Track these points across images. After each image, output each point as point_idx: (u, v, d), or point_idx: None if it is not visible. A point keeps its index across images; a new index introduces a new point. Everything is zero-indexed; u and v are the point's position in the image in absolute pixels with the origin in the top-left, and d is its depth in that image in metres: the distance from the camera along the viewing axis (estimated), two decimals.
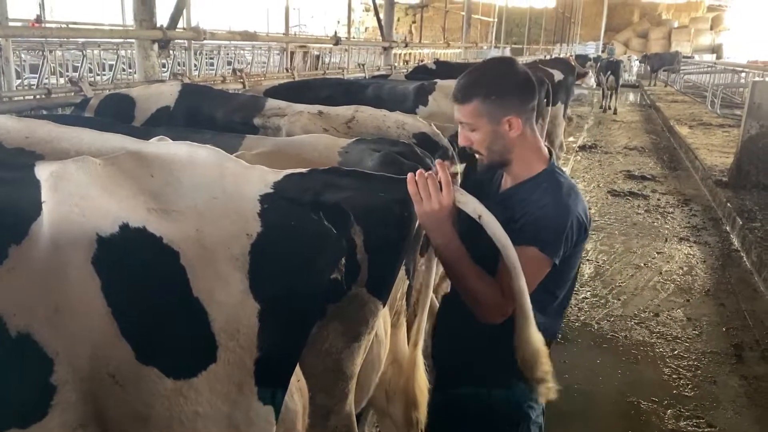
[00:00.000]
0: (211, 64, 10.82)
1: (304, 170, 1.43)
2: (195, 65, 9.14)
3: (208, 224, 1.32)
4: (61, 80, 7.55)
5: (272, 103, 2.99)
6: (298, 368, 1.69)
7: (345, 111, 2.87)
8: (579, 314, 5.23)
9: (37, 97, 3.55)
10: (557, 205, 1.97)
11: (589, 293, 5.67)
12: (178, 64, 8.79)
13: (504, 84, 2.00)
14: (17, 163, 1.35)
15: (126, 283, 1.26)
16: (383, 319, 1.92)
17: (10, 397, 1.27)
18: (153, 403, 1.30)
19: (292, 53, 9.20)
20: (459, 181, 2.06)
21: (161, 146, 1.46)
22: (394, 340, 2.08)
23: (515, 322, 1.75)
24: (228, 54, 11.13)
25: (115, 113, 3.34)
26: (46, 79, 6.89)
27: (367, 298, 1.60)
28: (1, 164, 1.38)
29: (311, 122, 2.55)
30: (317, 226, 1.38)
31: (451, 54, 17.10)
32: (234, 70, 6.71)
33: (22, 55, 8.10)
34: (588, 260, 6.46)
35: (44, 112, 3.53)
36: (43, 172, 1.28)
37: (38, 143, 1.46)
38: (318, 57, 9.43)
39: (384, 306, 1.67)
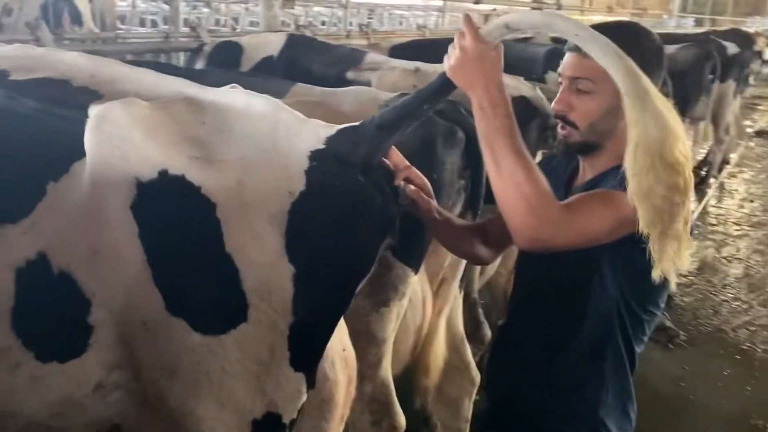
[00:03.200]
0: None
1: (357, 123, 1.31)
2: (324, 20, 9.24)
3: (250, 177, 1.25)
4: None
5: (371, 57, 2.92)
6: (345, 337, 1.63)
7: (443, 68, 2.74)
8: (713, 318, 4.66)
9: (155, 39, 3.70)
10: None
11: (730, 296, 5.03)
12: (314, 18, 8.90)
13: (647, 50, 1.57)
14: (78, 101, 1.35)
15: (161, 231, 1.24)
16: (421, 286, 1.85)
17: (51, 332, 1.31)
18: (182, 355, 1.28)
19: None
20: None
21: (219, 94, 1.40)
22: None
23: None
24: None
25: (224, 60, 3.46)
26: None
27: (394, 263, 1.58)
28: (64, 102, 1.39)
29: (402, 78, 2.45)
30: (362, 189, 1.27)
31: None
32: (360, 26, 6.68)
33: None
34: (738, 259, 5.80)
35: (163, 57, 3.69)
36: (92, 111, 1.27)
37: (102, 83, 1.47)
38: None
39: (415, 273, 1.63)
